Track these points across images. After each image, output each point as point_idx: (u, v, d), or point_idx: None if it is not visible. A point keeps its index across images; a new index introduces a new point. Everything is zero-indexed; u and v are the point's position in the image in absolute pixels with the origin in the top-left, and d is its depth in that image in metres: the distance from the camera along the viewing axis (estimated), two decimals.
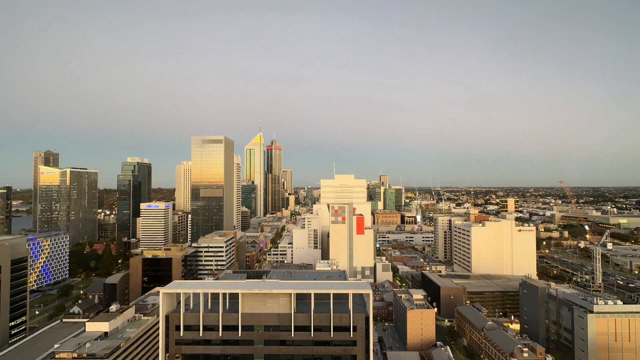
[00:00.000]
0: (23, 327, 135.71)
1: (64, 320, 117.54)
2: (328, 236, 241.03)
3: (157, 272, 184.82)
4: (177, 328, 76.77)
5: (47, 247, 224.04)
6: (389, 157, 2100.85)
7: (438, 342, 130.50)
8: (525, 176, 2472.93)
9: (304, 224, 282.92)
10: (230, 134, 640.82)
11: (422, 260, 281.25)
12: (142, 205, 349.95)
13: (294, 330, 76.14)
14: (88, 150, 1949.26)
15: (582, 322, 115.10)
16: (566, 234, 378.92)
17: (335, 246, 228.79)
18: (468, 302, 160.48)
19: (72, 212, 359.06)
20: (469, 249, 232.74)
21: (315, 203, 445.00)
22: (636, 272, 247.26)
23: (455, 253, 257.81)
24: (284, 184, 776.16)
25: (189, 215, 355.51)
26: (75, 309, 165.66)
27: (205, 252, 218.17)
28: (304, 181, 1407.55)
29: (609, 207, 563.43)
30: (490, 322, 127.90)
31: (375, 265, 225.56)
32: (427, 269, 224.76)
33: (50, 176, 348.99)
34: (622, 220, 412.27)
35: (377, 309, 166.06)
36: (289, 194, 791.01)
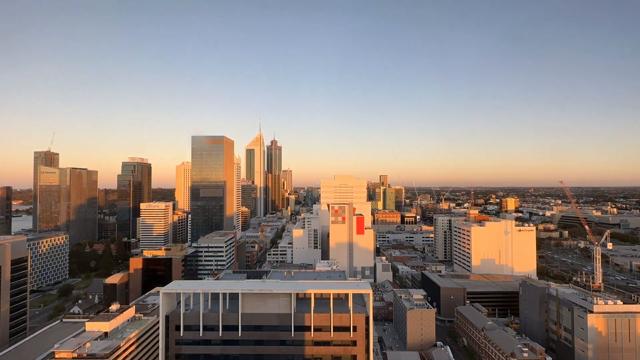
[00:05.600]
0: (23, 327, 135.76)
1: (64, 320, 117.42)
2: (328, 236, 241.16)
3: (157, 272, 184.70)
4: (177, 328, 76.81)
5: (47, 247, 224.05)
6: (389, 157, 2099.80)
7: (438, 342, 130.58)
8: (525, 176, 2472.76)
9: (304, 224, 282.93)
10: (230, 134, 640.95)
11: (422, 260, 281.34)
12: (142, 205, 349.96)
13: (294, 330, 76.16)
14: (88, 150, 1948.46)
15: (582, 322, 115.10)
16: (566, 234, 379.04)
17: (335, 246, 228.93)
18: (468, 302, 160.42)
19: (72, 212, 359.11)
20: (469, 249, 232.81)
21: (315, 203, 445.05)
22: (636, 272, 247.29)
23: (455, 253, 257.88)
24: (284, 184, 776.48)
25: (189, 215, 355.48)
26: (75, 309, 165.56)
27: (205, 252, 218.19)
28: (304, 181, 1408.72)
29: (609, 207, 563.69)
30: (490, 322, 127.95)
31: (375, 265, 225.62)
32: (427, 269, 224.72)
33: (50, 176, 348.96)
34: (622, 220, 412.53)
35: (377, 309, 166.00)
36: (289, 194, 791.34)
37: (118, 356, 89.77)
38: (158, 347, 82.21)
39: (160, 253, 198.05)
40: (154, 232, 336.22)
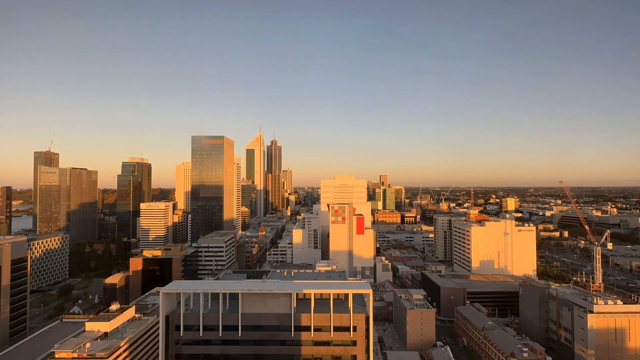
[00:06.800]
0: (23, 327, 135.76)
1: (64, 320, 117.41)
2: (328, 236, 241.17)
3: (157, 272, 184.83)
4: (177, 328, 76.77)
5: (47, 247, 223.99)
6: (389, 157, 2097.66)
7: (438, 342, 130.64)
8: (525, 176, 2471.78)
9: (304, 224, 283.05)
10: (230, 134, 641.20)
11: (422, 260, 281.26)
12: (142, 205, 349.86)
13: (294, 330, 76.14)
14: (88, 150, 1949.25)
15: (582, 322, 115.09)
16: (566, 234, 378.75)
17: (335, 246, 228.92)
18: (468, 302, 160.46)
19: (72, 212, 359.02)
20: (469, 249, 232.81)
21: (315, 203, 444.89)
22: (636, 272, 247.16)
23: (455, 253, 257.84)
24: (284, 184, 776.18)
25: (189, 215, 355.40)
26: (75, 309, 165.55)
27: (205, 252, 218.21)
28: (304, 181, 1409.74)
29: (609, 207, 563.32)
30: (490, 322, 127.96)
31: (375, 265, 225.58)
32: (427, 269, 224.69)
33: (50, 176, 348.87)
34: (622, 220, 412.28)
35: (377, 309, 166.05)
36: (289, 194, 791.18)
37: (118, 356, 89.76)
38: (158, 347, 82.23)
39: (160, 253, 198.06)
40: (154, 232, 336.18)
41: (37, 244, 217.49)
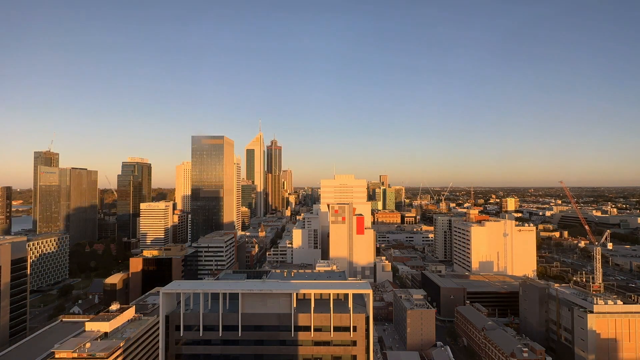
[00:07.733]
0: (23, 327, 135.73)
1: (63, 320, 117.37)
2: (328, 236, 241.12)
3: (157, 272, 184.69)
4: (177, 328, 76.73)
5: (47, 247, 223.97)
6: (389, 157, 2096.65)
7: (438, 342, 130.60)
8: (525, 176, 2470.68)
9: (304, 224, 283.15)
10: (230, 134, 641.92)
11: (422, 260, 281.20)
12: (142, 205, 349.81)
13: (294, 330, 76.11)
14: (88, 150, 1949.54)
15: (582, 322, 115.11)
16: (566, 234, 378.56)
17: (335, 246, 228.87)
18: (468, 302, 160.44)
19: (72, 212, 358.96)
20: (468, 249, 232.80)
21: (315, 203, 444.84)
22: (636, 272, 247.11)
23: (455, 253, 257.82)
24: (284, 184, 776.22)
25: (189, 215, 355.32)
26: (75, 309, 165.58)
27: (205, 252, 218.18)
28: (304, 181, 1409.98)
29: (609, 207, 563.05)
30: (490, 322, 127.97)
31: (375, 265, 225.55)
32: (427, 269, 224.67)
33: (50, 176, 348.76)
34: (622, 220, 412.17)
35: (377, 309, 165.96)
36: (289, 194, 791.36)
37: (118, 356, 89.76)
38: (158, 347, 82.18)
39: (160, 253, 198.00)
40: (154, 232, 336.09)
41: (37, 244, 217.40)
